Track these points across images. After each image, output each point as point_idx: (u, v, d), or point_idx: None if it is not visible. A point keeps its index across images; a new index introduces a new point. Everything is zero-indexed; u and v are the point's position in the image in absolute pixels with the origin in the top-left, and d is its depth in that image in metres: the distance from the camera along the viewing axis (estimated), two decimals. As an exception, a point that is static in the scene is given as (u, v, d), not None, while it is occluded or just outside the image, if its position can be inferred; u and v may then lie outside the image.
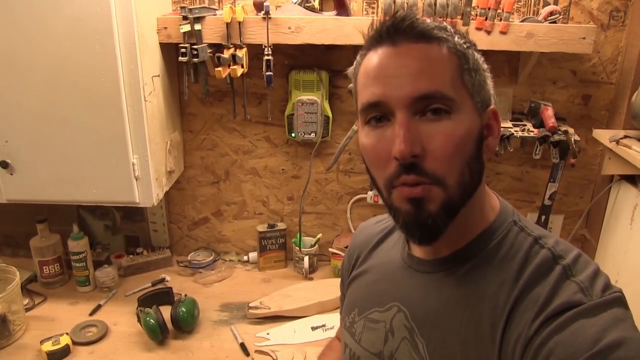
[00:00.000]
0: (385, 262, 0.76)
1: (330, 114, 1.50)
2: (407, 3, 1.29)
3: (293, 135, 1.51)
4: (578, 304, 0.52)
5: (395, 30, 0.58)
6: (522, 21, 1.32)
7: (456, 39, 0.59)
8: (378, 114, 0.59)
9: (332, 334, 1.31)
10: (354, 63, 0.65)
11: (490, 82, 0.63)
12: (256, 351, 1.26)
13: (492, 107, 0.63)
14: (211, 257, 1.67)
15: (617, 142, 1.26)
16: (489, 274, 0.61)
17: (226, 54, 1.31)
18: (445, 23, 0.61)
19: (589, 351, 0.48)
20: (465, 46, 0.60)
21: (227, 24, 1.29)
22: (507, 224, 0.64)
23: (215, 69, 1.31)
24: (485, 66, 0.63)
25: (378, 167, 0.61)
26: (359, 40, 1.33)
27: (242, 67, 1.35)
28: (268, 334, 1.32)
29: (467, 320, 0.60)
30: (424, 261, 0.68)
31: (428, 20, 0.59)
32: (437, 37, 0.58)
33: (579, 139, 1.35)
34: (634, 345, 0.48)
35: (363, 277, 0.79)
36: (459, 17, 1.28)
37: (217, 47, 1.34)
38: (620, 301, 0.53)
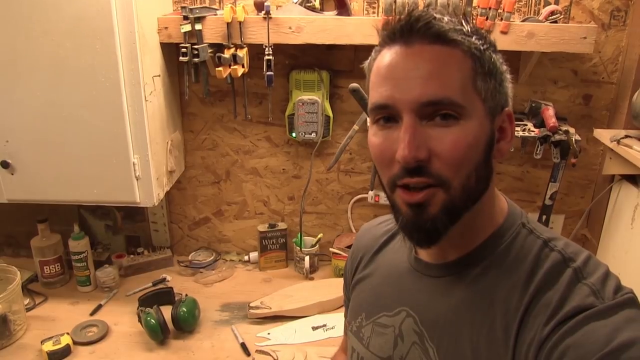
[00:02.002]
0: (390, 265, 0.75)
1: (331, 114, 1.50)
2: (407, 3, 1.29)
3: (294, 135, 1.51)
4: (590, 307, 0.52)
5: (409, 30, 0.56)
6: (523, 21, 1.32)
7: (473, 39, 0.57)
8: (386, 115, 0.58)
9: (333, 333, 1.31)
10: (369, 58, 0.63)
11: (508, 84, 0.61)
12: (257, 351, 1.26)
13: (507, 109, 0.61)
14: (212, 257, 1.67)
15: (618, 141, 1.26)
16: (499, 278, 0.60)
17: (227, 54, 1.31)
18: (464, 23, 0.58)
19: (601, 351, 0.48)
20: (482, 48, 0.57)
21: (228, 24, 1.29)
22: (516, 226, 0.63)
23: (216, 68, 1.31)
24: (504, 67, 0.60)
25: (383, 166, 0.60)
26: (360, 40, 1.35)
27: (243, 67, 1.35)
28: (269, 333, 1.32)
29: (479, 324, 0.59)
30: (432, 265, 0.67)
31: (446, 19, 0.57)
32: (453, 40, 0.56)
33: (579, 138, 1.35)
34: None
35: (368, 280, 0.78)
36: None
37: (218, 47, 1.34)
38: (632, 302, 0.53)
